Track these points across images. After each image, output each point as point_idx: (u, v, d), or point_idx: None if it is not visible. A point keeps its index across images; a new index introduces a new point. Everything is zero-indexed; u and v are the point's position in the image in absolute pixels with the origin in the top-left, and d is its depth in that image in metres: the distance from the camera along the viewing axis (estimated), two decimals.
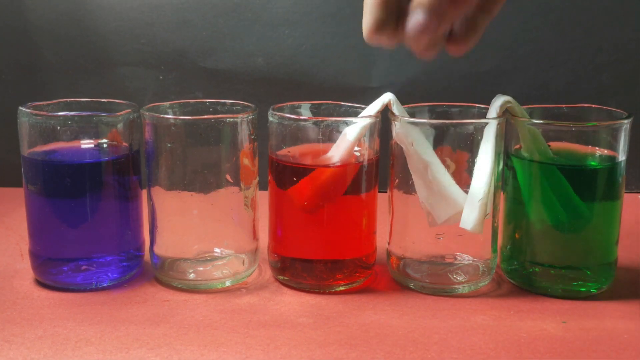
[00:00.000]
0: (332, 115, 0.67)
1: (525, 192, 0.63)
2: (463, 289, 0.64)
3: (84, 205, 0.62)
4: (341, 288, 0.64)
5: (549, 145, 0.62)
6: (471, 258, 0.64)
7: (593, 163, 0.62)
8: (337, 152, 0.61)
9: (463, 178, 0.62)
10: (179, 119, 0.63)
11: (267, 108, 0.64)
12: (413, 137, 0.61)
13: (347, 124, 0.62)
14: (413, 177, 0.62)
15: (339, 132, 0.62)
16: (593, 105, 0.67)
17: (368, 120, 0.61)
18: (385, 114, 0.63)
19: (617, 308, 0.61)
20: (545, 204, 0.62)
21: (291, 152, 0.63)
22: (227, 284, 0.65)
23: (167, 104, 0.67)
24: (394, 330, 0.57)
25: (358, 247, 0.65)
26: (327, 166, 0.62)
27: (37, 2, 0.90)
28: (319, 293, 0.64)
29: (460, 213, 0.61)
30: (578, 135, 0.61)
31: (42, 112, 0.63)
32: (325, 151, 0.62)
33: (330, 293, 0.64)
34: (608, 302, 0.62)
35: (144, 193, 0.67)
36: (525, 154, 0.63)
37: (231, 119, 0.62)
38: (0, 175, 0.94)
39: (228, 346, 0.54)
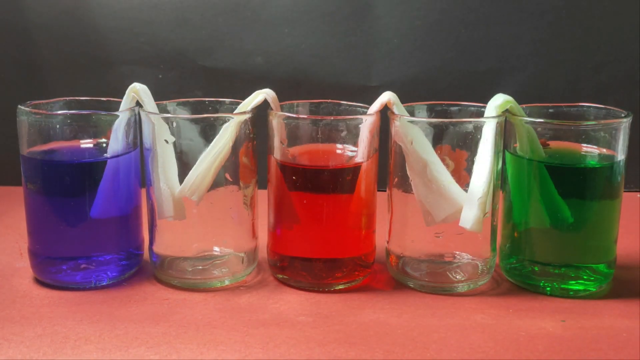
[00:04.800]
0: (331, 114, 0.68)
1: (514, 189, 0.63)
2: (462, 287, 0.64)
3: (83, 203, 0.62)
4: (340, 287, 0.64)
5: (548, 145, 0.62)
6: (470, 257, 0.65)
7: (592, 162, 0.62)
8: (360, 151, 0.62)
9: (462, 177, 0.62)
10: (178, 117, 0.63)
11: (267, 107, 0.64)
12: (412, 135, 0.61)
13: (346, 122, 0.62)
14: (411, 175, 0.62)
15: (338, 130, 0.62)
16: (592, 104, 0.67)
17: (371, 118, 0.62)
18: (385, 112, 0.63)
19: (616, 307, 0.61)
20: (533, 202, 0.62)
21: (292, 151, 0.63)
22: (227, 282, 0.65)
23: (166, 102, 0.67)
24: (393, 329, 0.57)
25: (357, 246, 0.65)
26: (327, 167, 0.62)
27: (36, 0, 0.90)
28: (318, 292, 0.64)
29: (459, 211, 0.61)
30: (577, 134, 0.62)
31: (41, 111, 0.63)
32: (325, 151, 0.62)
33: (329, 292, 0.64)
34: (607, 301, 0.62)
35: (143, 192, 0.67)
36: (520, 152, 0.63)
37: (230, 118, 0.62)
38: (0, 174, 0.94)
39: (227, 345, 0.54)
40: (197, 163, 0.61)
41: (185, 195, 0.61)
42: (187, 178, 0.61)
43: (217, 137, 0.61)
